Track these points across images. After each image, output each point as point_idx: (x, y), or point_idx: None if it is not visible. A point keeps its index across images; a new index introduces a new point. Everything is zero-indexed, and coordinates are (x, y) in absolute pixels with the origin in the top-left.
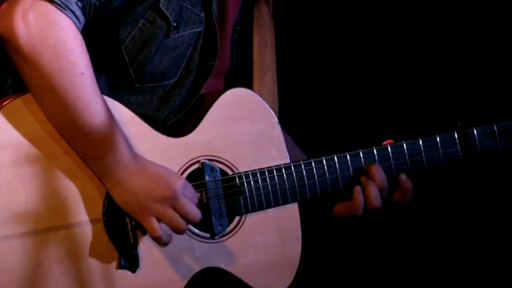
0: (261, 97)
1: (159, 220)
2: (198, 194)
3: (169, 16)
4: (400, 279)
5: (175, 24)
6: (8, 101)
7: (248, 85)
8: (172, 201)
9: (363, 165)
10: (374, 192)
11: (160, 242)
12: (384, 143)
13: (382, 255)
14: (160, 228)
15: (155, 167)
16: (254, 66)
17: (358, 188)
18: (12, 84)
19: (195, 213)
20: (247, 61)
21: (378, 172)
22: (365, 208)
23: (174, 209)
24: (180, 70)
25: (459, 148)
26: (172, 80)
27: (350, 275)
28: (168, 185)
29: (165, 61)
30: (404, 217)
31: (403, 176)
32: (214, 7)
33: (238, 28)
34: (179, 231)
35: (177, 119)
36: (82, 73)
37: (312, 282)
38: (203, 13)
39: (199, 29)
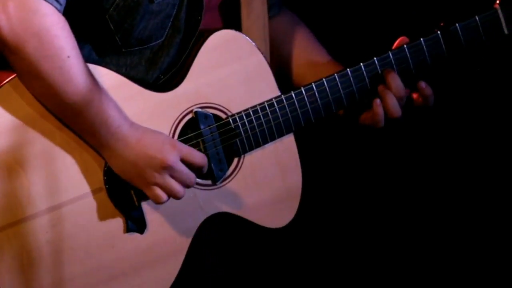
0: (250, 25)
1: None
2: (200, 155)
3: None
4: (400, 279)
5: None
6: None
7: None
8: (169, 170)
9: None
10: (392, 102)
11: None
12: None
13: (382, 255)
14: (164, 195)
15: (150, 136)
16: None
17: (377, 101)
18: None
19: (190, 179)
20: None
21: (394, 80)
22: (386, 118)
23: (172, 176)
24: (167, 30)
25: (444, 47)
26: (159, 41)
27: (350, 275)
28: (163, 154)
29: (151, 24)
30: (404, 217)
31: (422, 84)
32: None
33: None
34: (178, 198)
35: (167, 78)
36: (68, 56)
37: (312, 282)
38: None
39: None
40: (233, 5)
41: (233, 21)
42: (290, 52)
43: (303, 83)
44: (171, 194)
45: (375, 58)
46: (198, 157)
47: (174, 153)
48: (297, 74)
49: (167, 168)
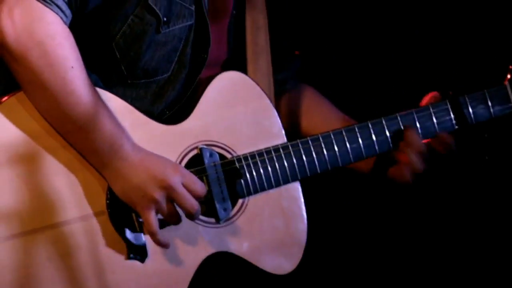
0: (256, 80)
1: (157, 213)
2: (199, 182)
3: (158, 11)
4: (400, 279)
5: (165, 19)
6: (2, 100)
7: (243, 69)
8: (170, 192)
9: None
10: (414, 159)
11: (154, 237)
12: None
13: (382, 255)
14: (156, 223)
15: (153, 158)
16: (247, 49)
17: (401, 165)
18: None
19: (192, 204)
20: (241, 45)
21: (412, 136)
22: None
23: (172, 199)
24: (173, 65)
25: (452, 116)
26: (165, 75)
27: (350, 275)
28: (165, 175)
29: (157, 56)
30: (404, 217)
31: (443, 134)
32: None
33: (234, 12)
34: (174, 223)
35: (172, 113)
36: (72, 67)
37: (312, 282)
38: (193, 6)
39: (190, 23)
40: (237, 62)
41: (238, 64)
42: (311, 123)
43: None
44: (169, 218)
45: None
46: (199, 184)
47: (177, 175)
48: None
49: (167, 188)
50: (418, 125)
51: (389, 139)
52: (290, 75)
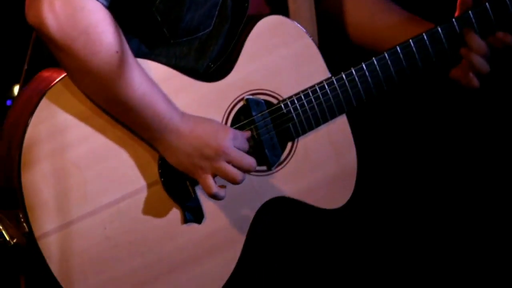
0: (297, 6)
1: (214, 176)
2: (248, 133)
3: None
4: (400, 279)
5: None
6: (50, 86)
7: None
8: (224, 156)
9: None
10: (478, 61)
11: (217, 198)
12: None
13: (382, 256)
14: (215, 185)
15: (202, 124)
16: None
17: (469, 74)
18: None
19: (249, 162)
20: None
21: (474, 41)
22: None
23: (228, 162)
24: (214, 19)
25: (493, 18)
26: (207, 30)
27: (350, 275)
28: (217, 141)
29: (198, 15)
30: (404, 217)
31: (500, 34)
32: None
33: None
34: (237, 183)
35: (217, 66)
36: (117, 52)
37: (312, 282)
38: None
39: None
40: None
41: (279, 6)
42: (363, 14)
43: (385, 48)
44: (229, 179)
45: (453, 19)
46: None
47: (229, 138)
48: (377, 39)
49: (222, 154)
50: (475, 25)
51: (447, 48)
52: None
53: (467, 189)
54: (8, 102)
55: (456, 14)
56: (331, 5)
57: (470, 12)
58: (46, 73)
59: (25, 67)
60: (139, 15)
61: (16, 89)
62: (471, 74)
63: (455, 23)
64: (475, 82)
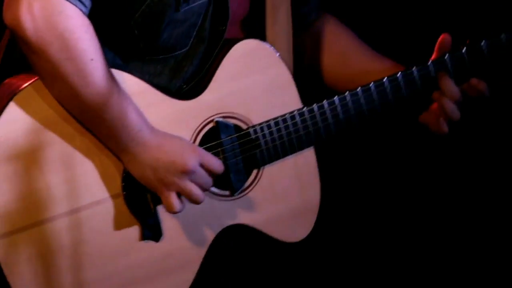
0: (275, 34)
1: (177, 193)
2: (218, 162)
3: None
4: (400, 279)
5: None
6: (19, 89)
7: (262, 24)
8: (190, 175)
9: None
10: (450, 107)
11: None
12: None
13: (382, 256)
14: (178, 204)
15: (171, 141)
16: (266, 2)
17: (440, 119)
18: None
19: (208, 184)
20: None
21: (447, 85)
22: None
23: (191, 181)
24: (191, 40)
25: (468, 64)
26: (184, 50)
27: (350, 275)
28: (184, 159)
29: (176, 33)
30: (404, 217)
31: (474, 80)
32: None
33: None
34: (198, 203)
35: (189, 88)
36: (92, 59)
37: (312, 282)
38: None
39: None
40: (257, 16)
41: (257, 33)
42: (336, 58)
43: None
44: (191, 199)
45: (430, 62)
46: (217, 163)
47: (195, 157)
48: (348, 81)
49: (187, 173)
50: (451, 70)
51: (420, 89)
52: (313, 6)
53: (467, 189)
54: None
55: (433, 57)
56: (306, 48)
57: (447, 56)
58: (15, 78)
59: None
60: (117, 27)
61: None
62: (441, 120)
63: (431, 65)
64: (445, 128)
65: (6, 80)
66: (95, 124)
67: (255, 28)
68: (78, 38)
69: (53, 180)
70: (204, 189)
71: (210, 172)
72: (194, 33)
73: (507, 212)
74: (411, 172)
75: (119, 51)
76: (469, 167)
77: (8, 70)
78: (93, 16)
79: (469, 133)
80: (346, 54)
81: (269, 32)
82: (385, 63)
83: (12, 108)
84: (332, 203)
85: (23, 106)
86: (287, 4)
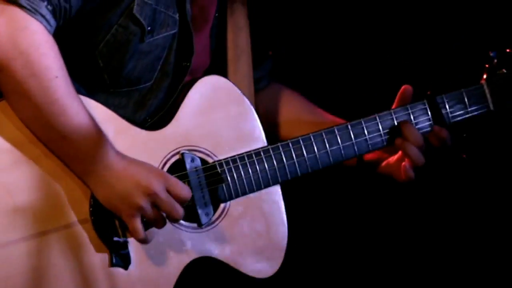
0: (236, 82)
1: (142, 218)
2: (185, 187)
3: (142, 21)
4: (400, 279)
5: (149, 28)
6: None
7: (224, 71)
8: (153, 199)
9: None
10: (415, 153)
11: (144, 242)
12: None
13: (382, 256)
14: (142, 230)
15: (136, 165)
16: (228, 51)
17: (404, 165)
18: None
19: (177, 209)
20: (222, 47)
21: (410, 130)
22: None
23: (157, 205)
24: (156, 73)
25: (429, 116)
26: (148, 84)
27: (350, 275)
28: (149, 181)
29: (140, 65)
30: (404, 217)
31: (436, 127)
32: (188, 7)
33: (216, 15)
34: (159, 227)
35: (154, 121)
36: (56, 77)
37: (312, 282)
38: (177, 15)
39: (173, 31)
40: (220, 65)
41: (220, 70)
42: (286, 118)
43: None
44: (154, 223)
45: (391, 110)
46: (183, 188)
47: (161, 181)
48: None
49: (152, 196)
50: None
51: (383, 136)
52: (264, 74)
53: (467, 189)
54: None
55: (394, 106)
56: (262, 102)
57: (408, 106)
58: None
59: None
60: (81, 58)
61: None
62: (406, 166)
63: (393, 114)
64: (411, 173)
65: None
66: (60, 145)
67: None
68: (43, 54)
69: (21, 203)
70: (172, 215)
71: (176, 197)
72: (159, 67)
73: (507, 212)
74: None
75: (84, 82)
76: (469, 167)
77: None
78: (58, 45)
79: (469, 133)
80: (297, 117)
81: (231, 78)
82: (334, 119)
83: None
84: (331, 203)
85: None
86: (248, 53)
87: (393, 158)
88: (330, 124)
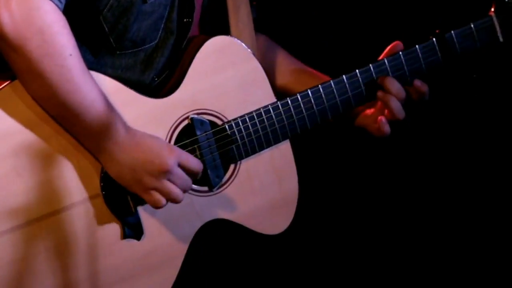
0: (239, 33)
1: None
2: (196, 161)
3: None
4: (400, 279)
5: None
6: None
7: (225, 20)
8: (167, 175)
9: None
10: (396, 105)
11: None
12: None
13: (382, 255)
14: (163, 199)
15: (148, 140)
16: (228, 2)
17: (381, 118)
18: None
19: (188, 184)
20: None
21: (393, 84)
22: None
23: (170, 181)
24: (160, 32)
25: (439, 55)
26: (153, 43)
27: (350, 275)
28: (162, 159)
29: (145, 26)
30: (404, 217)
31: (417, 82)
32: None
33: None
34: (177, 202)
35: (162, 80)
36: (70, 55)
37: (311, 282)
38: None
39: None
40: (219, 15)
41: (219, 31)
42: (271, 67)
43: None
44: (170, 198)
45: (370, 65)
46: (195, 162)
47: (172, 157)
48: (281, 86)
49: (165, 173)
50: (405, 67)
51: (363, 87)
52: None
53: (467, 189)
54: None
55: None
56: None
57: (385, 59)
58: None
59: None
60: (86, 24)
61: None
62: (382, 120)
63: (371, 68)
64: (387, 128)
65: None
66: (73, 123)
67: (216, 27)
68: (57, 33)
69: (32, 183)
70: (183, 189)
71: (188, 171)
72: (162, 25)
73: (507, 212)
74: (410, 170)
75: (90, 47)
76: (469, 167)
77: None
78: (63, 13)
79: (468, 132)
80: (278, 67)
81: (233, 30)
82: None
83: None
84: (329, 201)
85: (1, 106)
86: (246, 3)
87: (370, 111)
88: (313, 75)
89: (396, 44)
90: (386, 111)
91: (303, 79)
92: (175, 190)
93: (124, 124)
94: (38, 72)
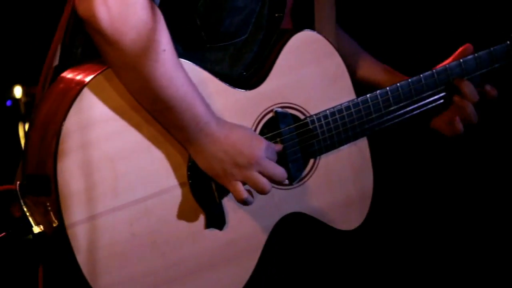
0: (322, 27)
1: (244, 183)
2: (280, 146)
3: None
4: (400, 279)
5: None
6: (91, 77)
7: (311, 17)
8: (257, 166)
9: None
10: (471, 110)
11: (246, 203)
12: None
13: (382, 255)
14: (245, 191)
15: (237, 132)
16: None
17: (456, 118)
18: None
19: (281, 173)
20: None
21: (468, 88)
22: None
23: (259, 172)
24: (250, 27)
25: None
26: (243, 37)
27: (350, 275)
28: (251, 150)
29: (236, 20)
30: (404, 217)
31: (488, 87)
32: None
33: None
34: (265, 193)
35: (249, 74)
36: (164, 50)
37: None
38: None
39: None
40: (304, 9)
41: (303, 24)
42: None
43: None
44: (259, 189)
45: (446, 65)
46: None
47: (262, 148)
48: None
49: (255, 164)
50: (478, 71)
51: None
52: None
53: (467, 189)
54: (8, 103)
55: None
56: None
57: (461, 60)
58: (78, 69)
59: (56, 63)
60: (179, 18)
61: (16, 89)
62: (457, 119)
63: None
64: (460, 126)
65: (68, 70)
66: (164, 115)
67: (301, 20)
68: (152, 29)
69: (121, 170)
70: (275, 179)
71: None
72: (253, 20)
73: (507, 212)
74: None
75: (181, 40)
76: (469, 167)
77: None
78: (159, 8)
79: (468, 132)
80: (348, 59)
81: (317, 24)
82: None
83: (84, 96)
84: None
85: (94, 94)
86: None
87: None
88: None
89: (467, 47)
90: (460, 113)
91: (377, 72)
92: (263, 181)
93: (214, 115)
94: (131, 66)
